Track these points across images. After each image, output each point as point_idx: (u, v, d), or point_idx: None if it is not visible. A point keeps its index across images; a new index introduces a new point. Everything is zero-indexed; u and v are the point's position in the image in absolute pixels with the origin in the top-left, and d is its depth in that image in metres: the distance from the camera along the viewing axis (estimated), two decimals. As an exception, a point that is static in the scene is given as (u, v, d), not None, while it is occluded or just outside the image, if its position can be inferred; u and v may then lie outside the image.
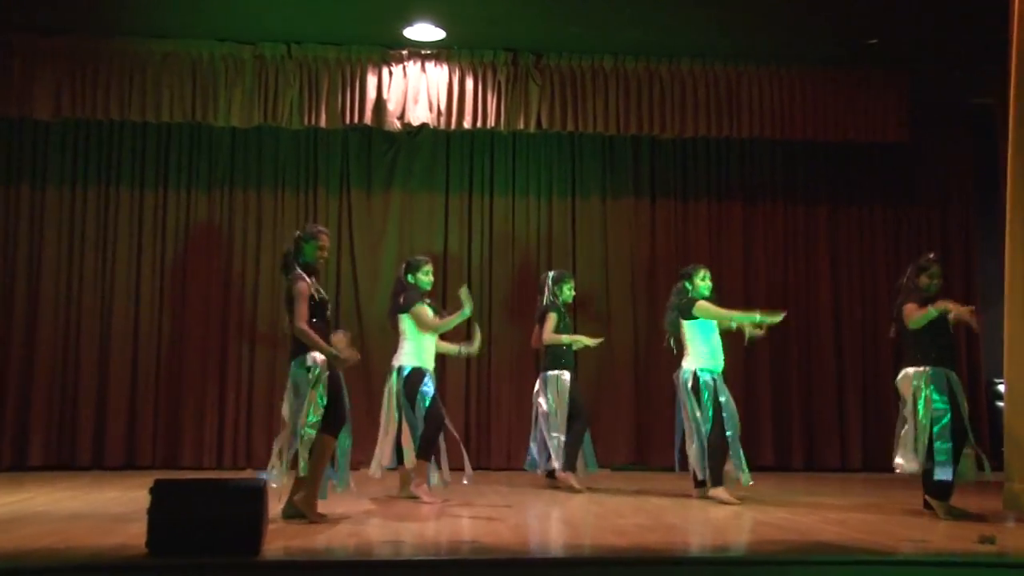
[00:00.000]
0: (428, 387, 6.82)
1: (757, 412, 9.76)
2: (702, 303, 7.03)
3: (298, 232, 5.95)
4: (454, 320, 6.89)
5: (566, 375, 7.73)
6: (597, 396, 9.58)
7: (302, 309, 5.62)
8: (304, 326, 5.60)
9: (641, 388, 9.84)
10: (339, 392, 5.78)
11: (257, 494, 4.44)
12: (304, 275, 5.72)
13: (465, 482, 6.89)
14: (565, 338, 7.76)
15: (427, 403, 6.78)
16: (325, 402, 5.63)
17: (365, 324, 9.58)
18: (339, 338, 5.92)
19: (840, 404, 9.94)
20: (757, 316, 6.96)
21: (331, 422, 5.69)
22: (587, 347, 7.97)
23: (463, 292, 6.86)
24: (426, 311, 6.94)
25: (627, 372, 9.86)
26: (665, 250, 10.02)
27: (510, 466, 9.32)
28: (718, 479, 6.83)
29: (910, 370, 6.16)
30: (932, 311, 6.02)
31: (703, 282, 7.17)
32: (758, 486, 7.16)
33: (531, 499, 7.11)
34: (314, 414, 5.58)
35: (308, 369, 5.62)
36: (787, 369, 9.95)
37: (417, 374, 6.85)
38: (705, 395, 6.89)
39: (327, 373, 5.65)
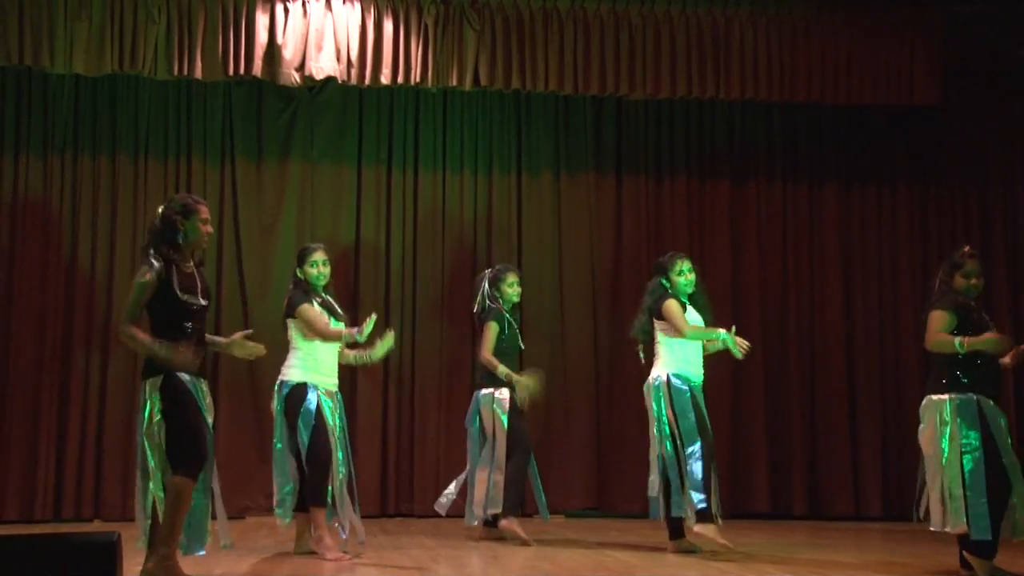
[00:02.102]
0: (311, 406, 6.72)
1: (749, 445, 9.80)
2: (671, 302, 7.04)
3: (169, 206, 5.67)
4: (363, 332, 6.64)
5: (505, 394, 7.68)
6: (547, 425, 9.56)
7: (131, 305, 5.45)
8: (129, 329, 5.43)
9: (603, 415, 9.84)
10: (192, 418, 5.48)
11: (107, 552, 4.34)
12: (155, 261, 5.47)
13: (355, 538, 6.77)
14: (501, 370, 7.63)
15: (308, 432, 6.69)
16: (163, 440, 5.42)
17: (255, 329, 9.35)
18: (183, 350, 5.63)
19: (853, 436, 9.97)
20: (721, 332, 6.97)
21: (183, 460, 5.44)
22: (525, 389, 7.71)
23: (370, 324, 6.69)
24: (315, 313, 6.84)
25: (585, 395, 9.85)
26: (633, 239, 10.03)
27: (438, 512, 9.23)
28: (705, 512, 6.81)
29: (933, 398, 6.16)
30: (958, 345, 5.99)
31: (680, 277, 7.17)
32: (751, 537, 7.15)
33: (464, 554, 7.08)
34: (151, 458, 5.42)
35: (147, 400, 5.44)
36: (787, 391, 9.98)
37: (298, 391, 6.78)
38: (680, 403, 6.89)
39: (161, 398, 5.42)
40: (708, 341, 7.10)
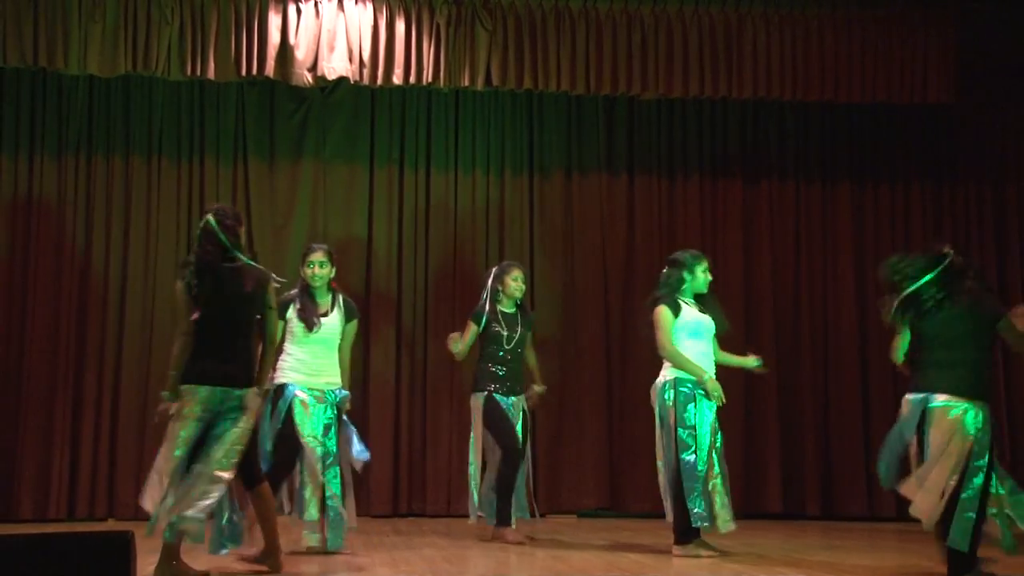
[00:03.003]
0: (281, 408, 6.73)
1: (762, 445, 9.77)
2: (662, 309, 6.99)
3: (226, 215, 5.85)
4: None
5: (479, 400, 7.68)
6: (559, 424, 9.54)
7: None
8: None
9: (615, 414, 9.81)
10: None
11: (121, 551, 4.27)
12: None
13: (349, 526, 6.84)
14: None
15: (279, 426, 6.72)
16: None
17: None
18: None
19: (866, 436, 9.88)
20: (706, 374, 6.90)
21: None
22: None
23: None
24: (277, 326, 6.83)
25: (597, 394, 9.83)
26: (645, 239, 10.00)
27: (450, 512, 9.26)
28: (685, 532, 6.82)
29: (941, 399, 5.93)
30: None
31: (705, 275, 7.15)
32: (764, 538, 7.11)
33: (476, 553, 7.09)
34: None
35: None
36: (800, 390, 9.95)
37: (278, 393, 6.80)
38: (680, 410, 6.85)
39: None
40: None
